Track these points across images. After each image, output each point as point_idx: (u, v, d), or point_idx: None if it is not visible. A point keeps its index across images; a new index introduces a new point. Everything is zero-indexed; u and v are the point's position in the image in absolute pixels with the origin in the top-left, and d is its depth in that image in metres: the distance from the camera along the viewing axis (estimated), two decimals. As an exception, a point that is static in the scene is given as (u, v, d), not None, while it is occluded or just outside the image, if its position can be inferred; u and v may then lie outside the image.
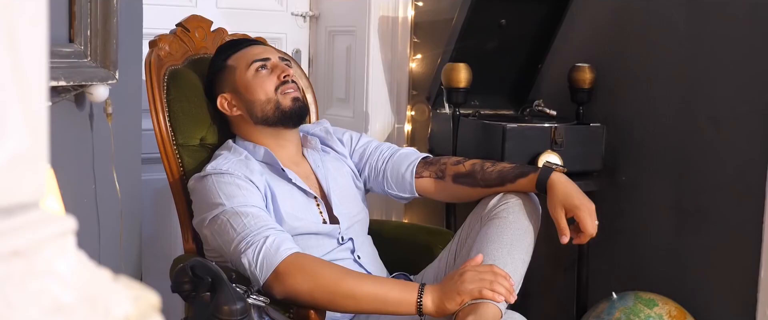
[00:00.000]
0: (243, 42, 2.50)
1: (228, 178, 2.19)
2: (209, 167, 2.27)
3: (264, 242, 2.02)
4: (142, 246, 2.50)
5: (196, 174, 2.28)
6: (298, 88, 2.42)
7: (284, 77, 2.36)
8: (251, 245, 2.03)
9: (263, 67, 2.38)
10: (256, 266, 2.01)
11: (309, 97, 2.73)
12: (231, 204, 2.12)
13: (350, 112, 3.51)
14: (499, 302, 1.98)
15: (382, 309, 2.04)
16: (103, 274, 0.78)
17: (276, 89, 2.36)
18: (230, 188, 2.16)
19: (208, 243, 2.22)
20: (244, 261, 2.02)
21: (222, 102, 2.42)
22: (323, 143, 2.51)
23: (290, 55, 2.61)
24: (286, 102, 2.36)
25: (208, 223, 2.16)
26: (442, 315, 2.02)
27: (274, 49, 2.53)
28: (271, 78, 2.37)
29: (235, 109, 2.40)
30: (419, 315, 2.02)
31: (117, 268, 2.24)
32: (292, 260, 2.01)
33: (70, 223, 0.73)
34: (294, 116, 2.38)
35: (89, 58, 2.00)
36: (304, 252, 2.07)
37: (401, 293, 2.02)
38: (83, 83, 1.98)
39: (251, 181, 2.21)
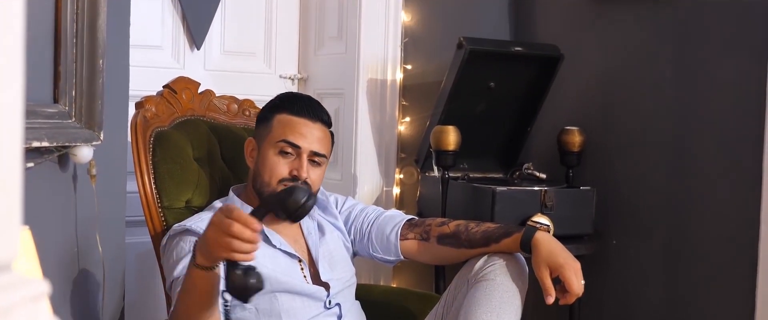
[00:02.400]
0: (304, 109, 2.32)
1: (187, 238, 2.15)
2: (176, 225, 2.23)
3: None
4: (126, 311, 2.45)
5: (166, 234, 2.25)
6: (309, 187, 2.34)
7: (294, 175, 2.29)
8: None
9: (289, 152, 2.28)
10: None
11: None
12: (178, 273, 2.07)
13: (338, 174, 3.48)
14: None
15: None
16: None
17: (282, 179, 2.29)
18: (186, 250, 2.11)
19: None
20: None
21: (248, 145, 2.38)
22: (319, 206, 2.47)
23: (330, 148, 2.43)
24: None
25: (169, 288, 2.12)
26: None
27: (322, 136, 2.33)
28: (286, 165, 2.28)
29: (250, 159, 2.36)
30: None
31: (98, 333, 2.19)
32: None
33: (44, 287, 0.70)
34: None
35: (73, 119, 1.97)
36: None
37: None
38: (67, 144, 1.95)
39: None
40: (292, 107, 2.30)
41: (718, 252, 2.85)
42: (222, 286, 1.87)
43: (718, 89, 2.85)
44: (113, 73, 2.16)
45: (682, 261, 2.95)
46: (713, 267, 2.87)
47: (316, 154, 2.28)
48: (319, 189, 2.37)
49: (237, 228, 1.73)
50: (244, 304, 2.04)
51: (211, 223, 1.77)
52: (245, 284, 1.72)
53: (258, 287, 1.73)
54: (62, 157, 2.02)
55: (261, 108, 2.41)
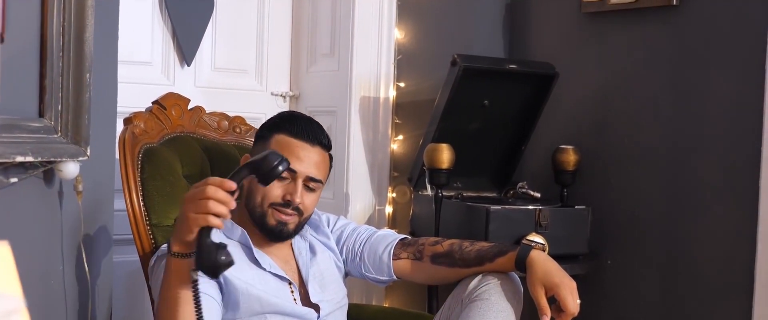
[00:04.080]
0: (303, 131, 2.26)
1: None
2: (164, 245, 2.18)
3: None
4: (113, 330, 2.41)
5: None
6: (300, 214, 2.29)
7: (287, 199, 2.25)
8: None
9: (284, 176, 2.21)
10: None
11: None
12: None
13: (330, 193, 3.44)
14: None
15: None
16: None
17: (273, 203, 2.25)
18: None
19: None
20: None
21: (244, 161, 2.33)
22: (311, 226, 2.43)
23: (327, 173, 2.37)
24: (270, 221, 2.25)
25: (157, 309, 2.07)
26: None
27: (319, 161, 2.27)
28: (279, 189, 2.22)
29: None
30: None
31: (84, 353, 2.14)
32: None
33: (17, 303, 0.66)
34: (269, 235, 2.28)
35: (59, 134, 1.94)
36: None
37: None
38: (52, 159, 1.91)
39: None
40: (291, 128, 2.25)
41: (714, 272, 2.82)
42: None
43: (714, 107, 2.83)
44: (101, 87, 2.12)
45: (678, 282, 2.92)
46: (710, 287, 2.83)
47: (311, 179, 2.24)
48: (311, 213, 2.33)
49: (211, 189, 1.74)
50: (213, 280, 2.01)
51: (185, 197, 1.79)
52: (216, 260, 1.72)
53: (228, 262, 1.74)
54: (48, 172, 1.98)
55: (260, 125, 2.37)
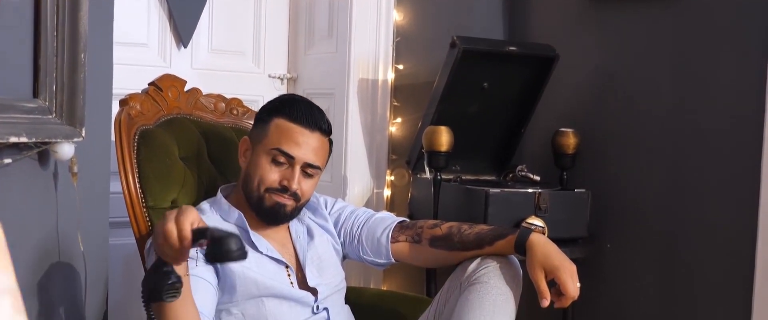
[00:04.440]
0: (303, 116, 2.23)
1: None
2: None
3: None
4: (110, 312, 2.38)
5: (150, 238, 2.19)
6: (297, 199, 2.26)
7: (284, 184, 2.23)
8: None
9: (282, 162, 2.21)
10: None
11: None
12: None
13: (328, 176, 3.42)
14: None
15: None
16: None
17: (270, 188, 2.23)
18: None
19: None
20: None
21: (242, 144, 2.31)
22: (309, 209, 2.41)
23: (326, 159, 2.33)
24: (268, 203, 2.24)
25: None
26: None
27: (318, 146, 2.25)
28: (277, 174, 2.21)
29: (243, 159, 2.29)
30: None
31: (79, 336, 2.13)
32: None
33: (9, 285, 0.64)
34: (266, 218, 2.26)
35: (54, 115, 1.91)
36: None
37: None
38: (47, 140, 1.88)
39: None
40: (291, 113, 2.23)
41: (714, 257, 2.81)
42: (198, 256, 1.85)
43: (716, 90, 2.80)
44: (96, 68, 2.10)
45: (677, 266, 2.90)
46: (710, 272, 2.82)
47: (309, 165, 2.22)
48: (307, 200, 2.31)
49: (169, 228, 1.69)
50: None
51: (165, 214, 1.75)
52: (222, 251, 1.64)
53: (237, 256, 1.64)
54: (42, 153, 1.96)
55: (260, 108, 2.34)
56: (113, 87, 2.31)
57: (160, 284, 1.70)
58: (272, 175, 2.20)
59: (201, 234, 1.68)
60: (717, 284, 2.80)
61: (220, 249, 1.63)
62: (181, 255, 1.71)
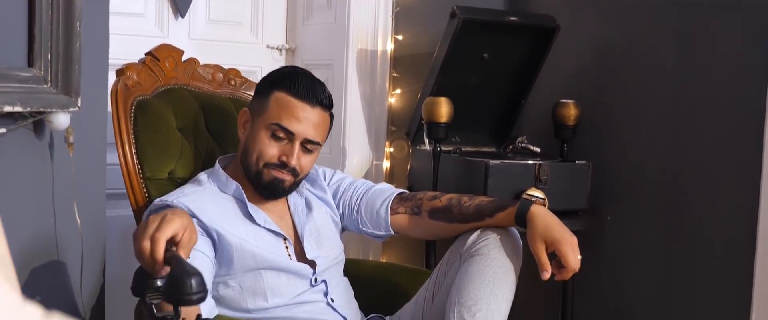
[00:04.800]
0: (304, 90, 2.19)
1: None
2: (157, 200, 2.15)
3: None
4: (107, 286, 2.37)
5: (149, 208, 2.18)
6: (296, 175, 2.23)
7: (283, 160, 2.21)
8: None
9: (281, 137, 2.18)
10: None
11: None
12: None
13: (327, 148, 3.40)
14: None
15: None
16: (32, 311, 0.67)
17: (268, 163, 2.20)
18: None
19: None
20: None
21: (242, 115, 2.28)
22: (308, 180, 2.39)
23: (326, 134, 2.29)
24: (267, 178, 2.21)
25: None
26: None
27: (319, 122, 2.22)
28: (276, 149, 2.18)
29: (242, 131, 2.27)
30: None
31: (76, 307, 2.11)
32: None
33: (2, 256, 0.62)
34: (264, 192, 2.24)
35: (49, 84, 1.89)
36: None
37: None
38: (42, 110, 1.86)
39: (195, 217, 2.08)
40: (293, 86, 2.20)
41: (715, 229, 2.79)
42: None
43: (719, 61, 2.78)
44: (92, 37, 2.07)
45: (678, 237, 2.89)
46: (710, 244, 2.80)
47: (309, 141, 2.20)
48: (306, 175, 2.29)
49: (144, 246, 1.65)
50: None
51: (147, 220, 1.71)
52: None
53: (195, 301, 1.53)
54: (38, 123, 1.94)
55: (261, 78, 2.31)
56: (110, 57, 2.28)
57: (142, 291, 1.66)
58: (271, 150, 2.18)
59: (169, 262, 1.61)
60: (718, 256, 2.78)
61: (176, 290, 1.52)
62: (157, 271, 1.66)
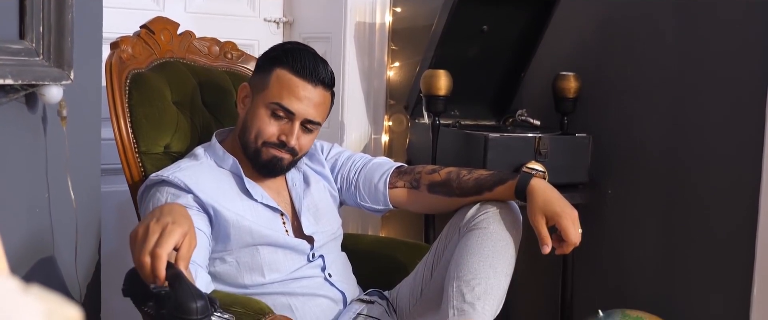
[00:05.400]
0: (306, 69, 2.16)
1: (164, 189, 2.07)
2: (153, 174, 2.13)
3: None
4: (103, 261, 2.35)
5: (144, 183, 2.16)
6: (295, 154, 2.21)
7: (282, 139, 2.18)
8: None
9: (281, 116, 2.16)
10: None
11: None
12: None
13: (325, 122, 3.37)
14: None
15: None
16: (9, 285, 0.64)
17: (267, 142, 2.18)
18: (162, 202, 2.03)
19: None
20: None
21: (242, 90, 2.25)
22: (306, 155, 2.36)
23: (327, 113, 2.27)
24: (265, 156, 2.19)
25: None
26: None
27: (320, 102, 2.20)
28: (275, 128, 2.16)
29: (241, 106, 2.24)
30: None
31: (71, 283, 2.09)
32: None
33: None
34: (262, 170, 2.22)
35: (41, 57, 1.85)
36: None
37: None
38: (34, 83, 1.83)
39: (192, 193, 2.06)
40: (295, 64, 2.17)
41: (716, 203, 2.77)
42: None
43: (721, 33, 2.75)
44: (85, 9, 2.03)
45: (679, 211, 2.87)
46: (711, 218, 2.78)
47: (309, 121, 2.17)
48: (305, 153, 2.27)
49: (145, 261, 1.61)
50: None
51: (147, 225, 1.66)
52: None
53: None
54: (30, 96, 1.91)
55: (262, 53, 2.28)
56: (104, 31, 2.25)
57: (138, 299, 1.63)
58: (270, 129, 2.16)
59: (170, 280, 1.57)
60: (718, 229, 2.76)
61: (181, 311, 1.51)
62: (149, 278, 1.62)
